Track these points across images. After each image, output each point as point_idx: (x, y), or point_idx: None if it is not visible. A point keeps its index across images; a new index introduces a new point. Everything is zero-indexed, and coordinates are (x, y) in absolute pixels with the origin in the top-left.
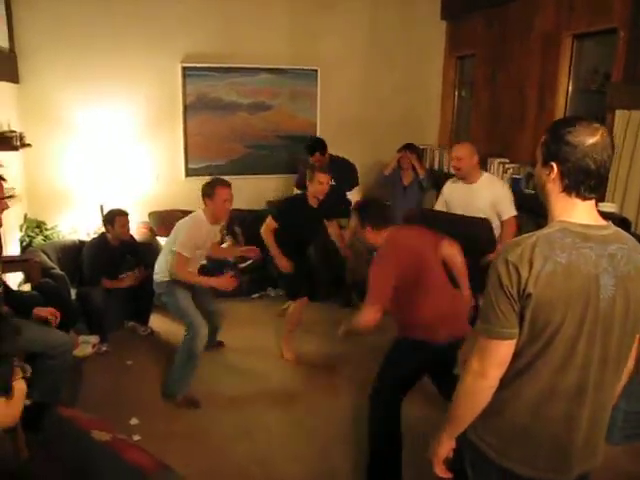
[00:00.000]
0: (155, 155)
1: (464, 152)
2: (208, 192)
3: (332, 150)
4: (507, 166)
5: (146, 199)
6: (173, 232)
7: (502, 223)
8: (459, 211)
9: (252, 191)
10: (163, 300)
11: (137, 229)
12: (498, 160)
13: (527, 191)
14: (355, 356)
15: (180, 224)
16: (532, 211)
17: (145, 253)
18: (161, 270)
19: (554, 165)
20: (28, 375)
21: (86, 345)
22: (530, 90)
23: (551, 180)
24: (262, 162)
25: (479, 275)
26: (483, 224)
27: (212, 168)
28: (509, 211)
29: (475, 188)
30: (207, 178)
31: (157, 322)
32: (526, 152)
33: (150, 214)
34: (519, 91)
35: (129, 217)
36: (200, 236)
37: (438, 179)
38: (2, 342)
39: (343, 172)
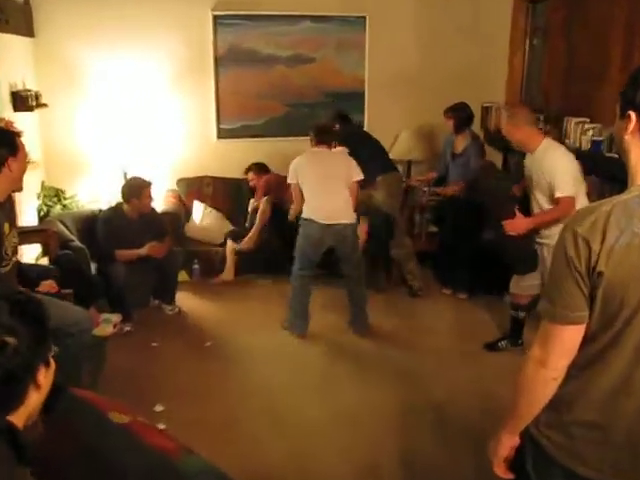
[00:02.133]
0: (183, 115)
1: (503, 122)
2: None
3: (382, 111)
4: (586, 127)
5: (174, 164)
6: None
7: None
8: (530, 188)
9: (293, 154)
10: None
11: (165, 198)
12: (575, 120)
13: (610, 155)
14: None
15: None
16: (616, 179)
17: (168, 224)
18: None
19: (632, 115)
20: (53, 353)
21: (107, 324)
22: (614, 39)
23: (629, 133)
24: (304, 122)
25: None
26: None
27: (247, 129)
28: (559, 189)
29: (535, 158)
30: (242, 141)
31: (184, 300)
32: (609, 111)
33: (178, 181)
34: (601, 40)
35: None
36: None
37: (507, 145)
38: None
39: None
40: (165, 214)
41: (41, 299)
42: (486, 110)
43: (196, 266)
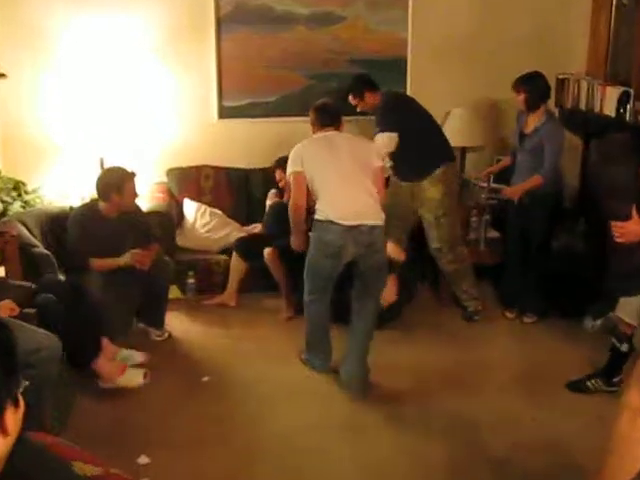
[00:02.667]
0: (176, 89)
1: None
2: None
3: (429, 83)
4: None
5: (163, 151)
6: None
7: None
8: None
9: None
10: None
11: (151, 194)
12: None
13: None
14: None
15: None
16: None
17: (156, 226)
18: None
19: None
20: (21, 389)
21: (136, 372)
22: None
23: None
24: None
25: None
26: None
27: (257, 107)
28: None
29: None
30: (250, 121)
31: (176, 323)
32: None
33: (169, 172)
34: None
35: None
36: None
37: (587, 123)
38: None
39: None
40: (152, 214)
41: (6, 321)
42: (562, 83)
43: (191, 280)
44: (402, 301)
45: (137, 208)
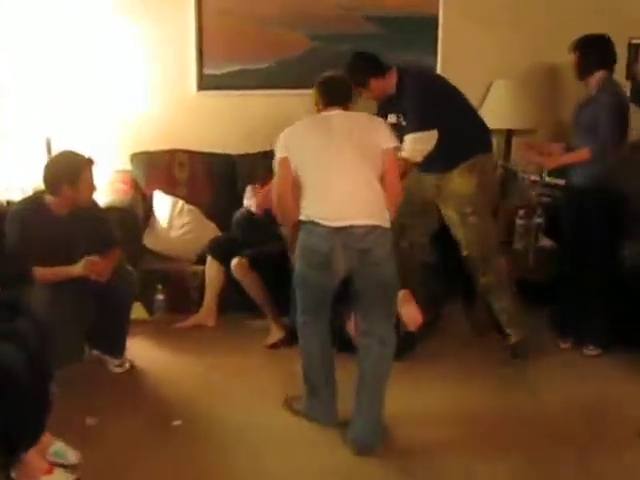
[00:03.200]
0: (143, 54)
1: None
2: None
3: (465, 47)
4: None
5: (127, 132)
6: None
7: None
8: None
9: None
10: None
11: (111, 185)
12: None
13: None
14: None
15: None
16: None
17: (116, 226)
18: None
19: None
20: None
21: (65, 477)
22: None
23: None
24: (338, 64)
25: None
26: None
27: (247, 75)
28: None
29: None
30: (238, 94)
31: (139, 350)
32: None
33: (134, 157)
34: None
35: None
36: None
37: None
38: None
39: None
40: (112, 210)
41: None
42: (635, 49)
43: (160, 296)
44: (424, 325)
45: (94, 204)
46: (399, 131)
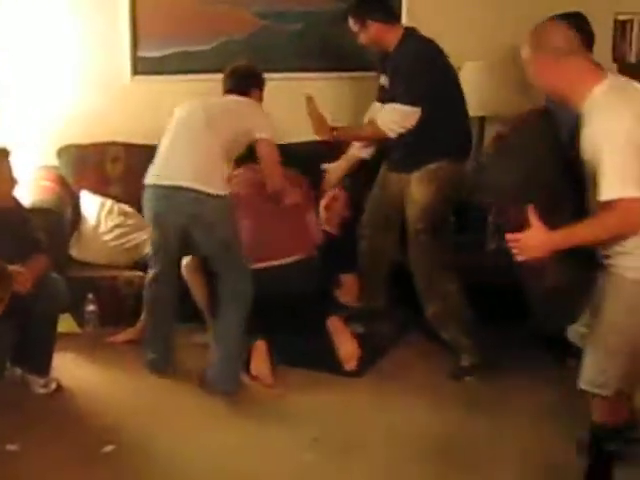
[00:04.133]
0: (70, 33)
1: (527, 55)
2: None
3: (431, 23)
4: None
5: (53, 122)
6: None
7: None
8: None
9: (270, 103)
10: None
11: (35, 182)
12: None
13: None
14: None
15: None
16: None
17: (40, 229)
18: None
19: None
20: None
21: None
22: None
23: None
24: (290, 47)
25: None
26: None
27: (187, 58)
28: (605, 182)
29: (584, 121)
30: (177, 79)
31: (68, 369)
32: None
33: (61, 151)
34: None
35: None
36: None
37: None
38: None
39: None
40: (35, 212)
41: None
42: (622, 26)
43: (91, 307)
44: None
45: (16, 202)
46: (388, 96)
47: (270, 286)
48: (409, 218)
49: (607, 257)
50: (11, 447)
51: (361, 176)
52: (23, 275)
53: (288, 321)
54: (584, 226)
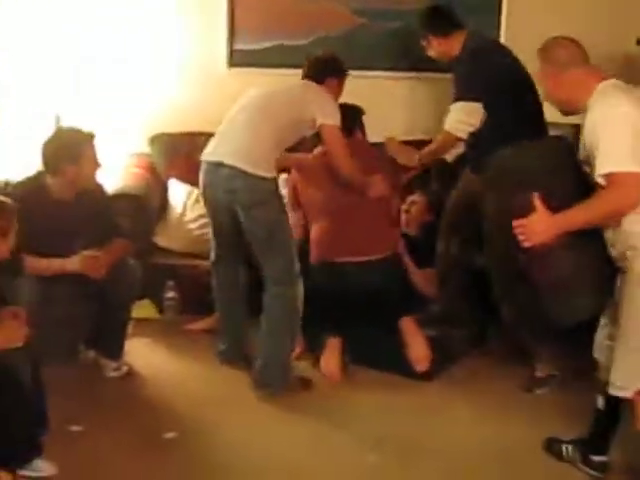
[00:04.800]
0: (166, 25)
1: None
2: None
3: (533, 26)
4: None
5: (146, 112)
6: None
7: None
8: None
9: (369, 100)
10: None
11: (125, 169)
12: None
13: None
14: None
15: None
16: None
17: (125, 215)
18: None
19: None
20: None
21: None
22: None
23: None
24: (388, 45)
25: None
26: None
27: (284, 52)
28: (605, 160)
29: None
30: (272, 73)
31: (142, 354)
32: None
33: (154, 140)
34: None
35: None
36: None
37: None
38: None
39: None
40: (121, 197)
41: None
42: None
43: (171, 294)
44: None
45: (99, 187)
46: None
47: (347, 282)
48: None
49: (622, 259)
50: (76, 428)
51: (445, 179)
52: (98, 261)
53: (364, 319)
54: (585, 205)
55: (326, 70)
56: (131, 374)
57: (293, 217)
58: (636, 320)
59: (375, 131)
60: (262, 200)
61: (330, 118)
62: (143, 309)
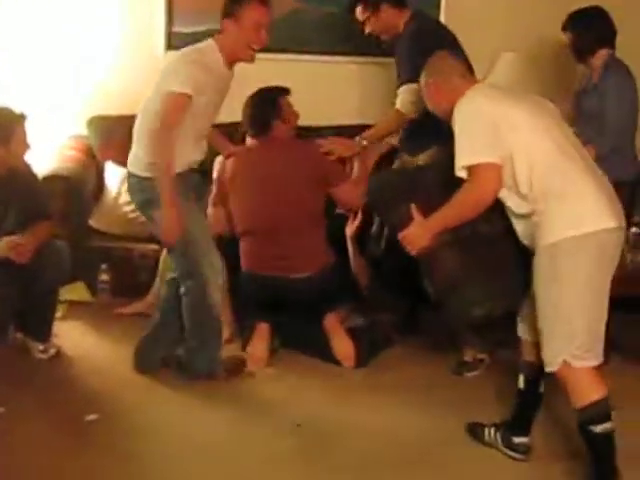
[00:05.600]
0: (102, 7)
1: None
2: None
3: (468, 10)
4: None
5: (87, 93)
6: (160, 78)
7: None
8: None
9: (302, 84)
10: (147, 214)
11: (61, 151)
12: None
13: None
14: None
15: (173, 61)
16: None
17: (58, 197)
18: (138, 159)
19: None
20: None
21: None
22: None
23: None
24: (326, 30)
25: None
26: None
27: None
28: (456, 159)
29: None
30: None
31: (73, 336)
32: None
33: (91, 122)
34: None
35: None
36: (211, 84)
37: None
38: None
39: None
40: (54, 179)
41: None
42: None
43: (104, 276)
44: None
45: (26, 168)
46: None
47: (275, 293)
48: None
49: (532, 243)
50: None
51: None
52: (23, 246)
53: (293, 311)
54: (451, 202)
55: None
56: (59, 356)
57: (216, 212)
58: (545, 290)
59: (312, 115)
60: (148, 200)
61: (174, 85)
62: (76, 291)
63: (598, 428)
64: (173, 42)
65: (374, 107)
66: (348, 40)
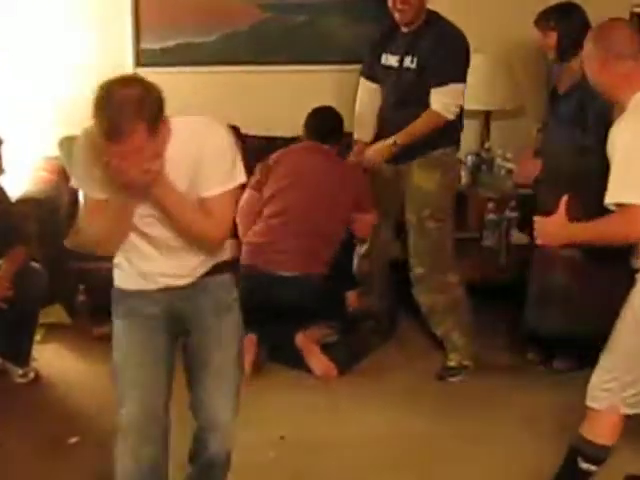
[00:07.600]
0: (72, 26)
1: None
2: None
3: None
4: None
5: (57, 114)
6: None
7: None
8: None
9: (270, 96)
10: None
11: (32, 173)
12: None
13: None
14: None
15: None
16: None
17: (33, 220)
18: None
19: None
20: None
21: None
22: None
23: None
24: (295, 40)
25: None
26: None
27: (190, 50)
28: (611, 188)
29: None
30: (179, 71)
31: (51, 359)
32: None
33: (63, 142)
34: None
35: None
36: None
37: None
38: None
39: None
40: (27, 202)
41: None
42: (639, 19)
43: (81, 297)
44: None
45: (0, 191)
46: (399, 77)
47: (268, 293)
48: (412, 207)
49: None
50: None
51: None
52: (1, 279)
53: (278, 318)
54: (595, 224)
55: None
56: (38, 380)
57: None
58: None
59: (282, 126)
60: None
61: None
62: (54, 314)
63: (585, 465)
64: (142, 59)
65: (348, 113)
66: (318, 49)
